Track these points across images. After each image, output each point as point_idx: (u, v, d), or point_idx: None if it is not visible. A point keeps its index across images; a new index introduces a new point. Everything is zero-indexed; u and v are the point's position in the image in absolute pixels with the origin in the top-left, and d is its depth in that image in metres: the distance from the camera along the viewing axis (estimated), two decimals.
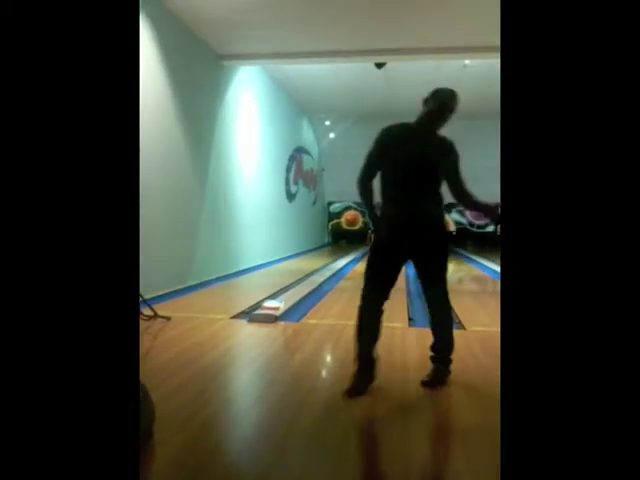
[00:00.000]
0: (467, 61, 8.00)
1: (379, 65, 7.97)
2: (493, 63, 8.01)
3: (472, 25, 5.70)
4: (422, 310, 4.49)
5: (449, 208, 14.66)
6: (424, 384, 2.45)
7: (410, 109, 10.64)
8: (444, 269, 2.50)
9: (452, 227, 14.75)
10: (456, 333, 3.64)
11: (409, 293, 5.68)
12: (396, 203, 2.40)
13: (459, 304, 4.63)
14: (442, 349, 2.53)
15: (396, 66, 8.40)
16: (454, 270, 8.81)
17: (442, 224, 2.52)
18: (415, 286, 6.27)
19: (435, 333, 2.53)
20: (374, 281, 2.46)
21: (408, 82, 9.83)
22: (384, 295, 2.46)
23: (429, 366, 2.54)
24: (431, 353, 2.56)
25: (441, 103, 2.34)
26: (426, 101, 2.40)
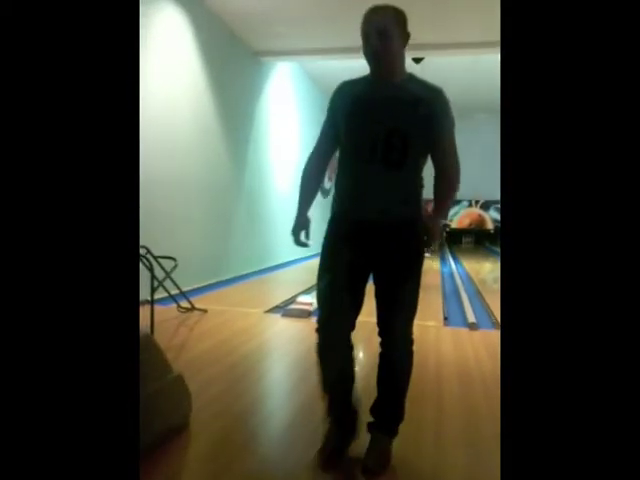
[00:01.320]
0: None
1: (417, 60, 7.87)
2: None
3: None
4: (458, 309, 4.43)
5: (487, 205, 14.36)
6: (365, 470, 1.66)
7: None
8: (411, 292, 1.68)
9: (490, 225, 14.48)
10: (492, 333, 3.58)
11: (444, 291, 5.61)
12: (347, 191, 1.70)
13: (496, 304, 4.54)
14: (388, 414, 1.77)
15: (433, 60, 8.27)
16: (490, 269, 8.64)
17: (413, 222, 1.66)
18: (450, 284, 6.20)
19: (381, 388, 1.77)
20: (330, 307, 1.72)
21: (445, 76, 9.67)
22: (346, 325, 1.74)
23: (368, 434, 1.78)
24: (371, 418, 1.79)
25: (364, 36, 1.63)
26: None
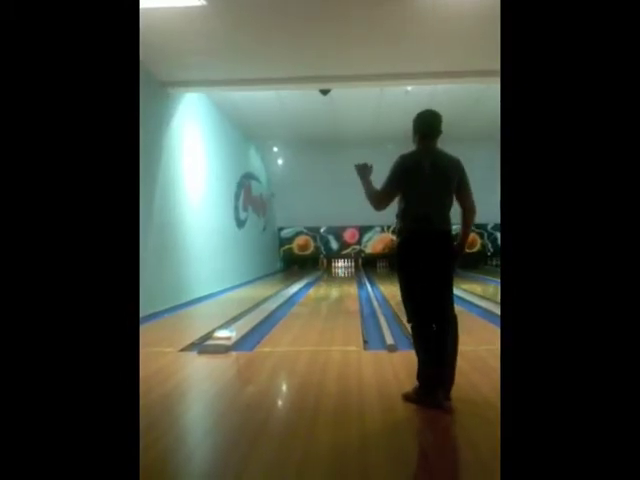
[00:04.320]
0: (409, 87, 8.28)
1: (324, 92, 8.12)
2: (434, 89, 8.33)
3: (413, 52, 5.91)
4: (376, 332, 4.49)
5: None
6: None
7: (355, 134, 10.85)
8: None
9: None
10: (411, 353, 3.65)
11: (362, 315, 5.68)
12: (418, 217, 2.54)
13: None
14: (448, 379, 2.49)
15: (340, 92, 8.59)
16: None
17: (451, 237, 2.59)
18: (368, 308, 6.31)
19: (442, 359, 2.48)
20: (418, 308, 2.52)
21: (352, 108, 10.06)
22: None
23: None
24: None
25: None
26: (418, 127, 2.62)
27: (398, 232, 2.62)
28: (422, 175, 2.52)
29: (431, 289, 2.51)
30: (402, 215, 2.57)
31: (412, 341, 2.63)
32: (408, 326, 2.70)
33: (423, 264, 2.49)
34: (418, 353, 2.54)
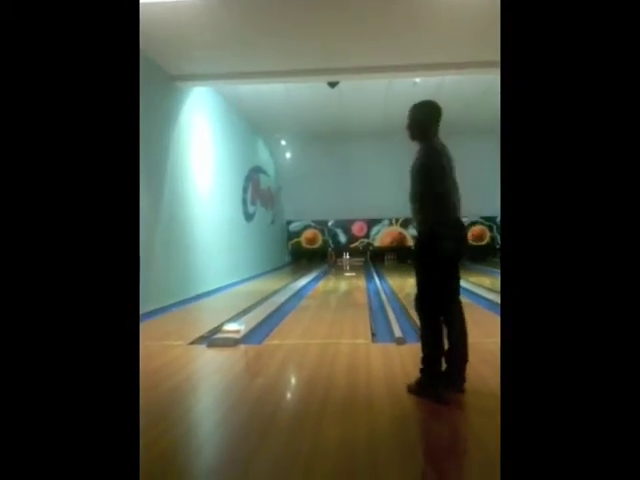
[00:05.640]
0: (417, 79, 8.22)
1: (332, 84, 8.08)
2: (441, 80, 8.26)
3: (421, 44, 5.87)
4: (385, 325, 4.49)
5: (406, 223, 14.89)
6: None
7: (363, 126, 10.82)
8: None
9: (410, 242, 14.99)
10: (419, 346, 3.64)
11: (371, 308, 5.68)
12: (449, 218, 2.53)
13: None
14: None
15: (348, 85, 8.54)
16: (414, 284, 8.88)
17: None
18: (376, 301, 6.31)
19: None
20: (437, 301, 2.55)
21: (360, 100, 10.00)
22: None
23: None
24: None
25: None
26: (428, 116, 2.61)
27: (422, 222, 2.54)
28: (448, 168, 2.55)
29: (450, 282, 2.55)
30: (432, 205, 2.49)
31: (419, 333, 2.63)
32: (417, 319, 2.69)
33: (448, 256, 2.49)
34: (424, 345, 2.54)
